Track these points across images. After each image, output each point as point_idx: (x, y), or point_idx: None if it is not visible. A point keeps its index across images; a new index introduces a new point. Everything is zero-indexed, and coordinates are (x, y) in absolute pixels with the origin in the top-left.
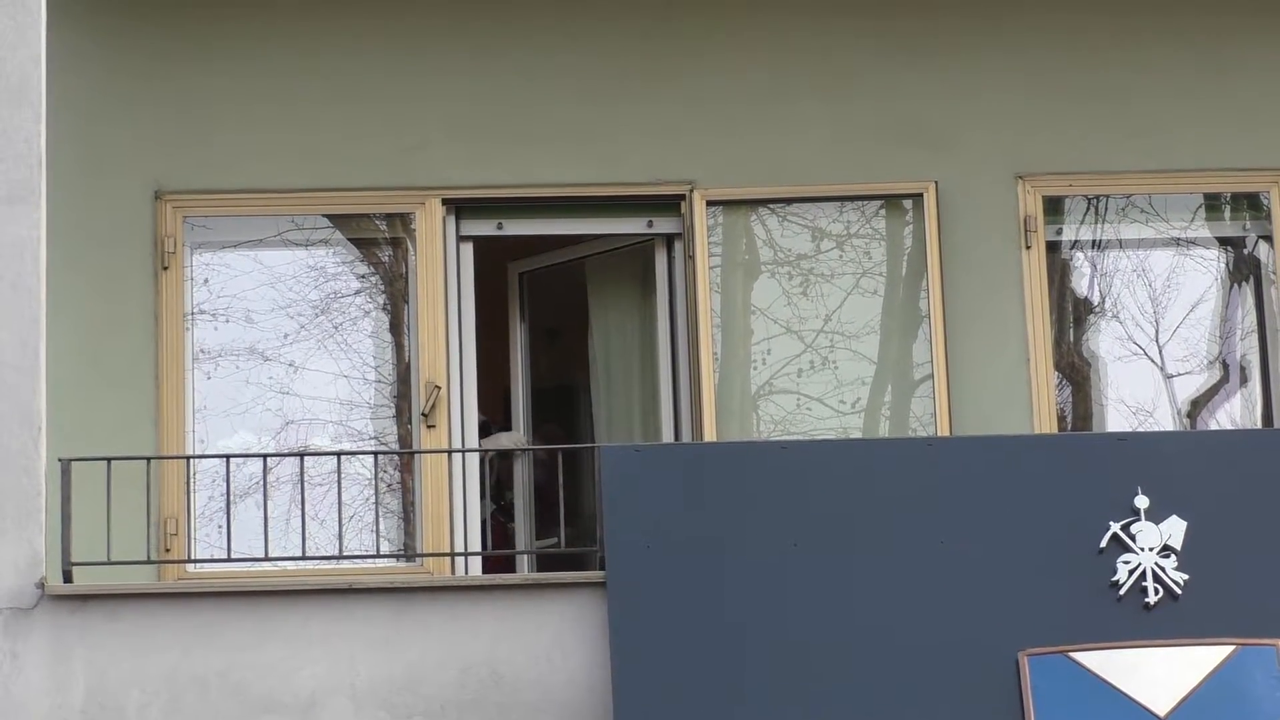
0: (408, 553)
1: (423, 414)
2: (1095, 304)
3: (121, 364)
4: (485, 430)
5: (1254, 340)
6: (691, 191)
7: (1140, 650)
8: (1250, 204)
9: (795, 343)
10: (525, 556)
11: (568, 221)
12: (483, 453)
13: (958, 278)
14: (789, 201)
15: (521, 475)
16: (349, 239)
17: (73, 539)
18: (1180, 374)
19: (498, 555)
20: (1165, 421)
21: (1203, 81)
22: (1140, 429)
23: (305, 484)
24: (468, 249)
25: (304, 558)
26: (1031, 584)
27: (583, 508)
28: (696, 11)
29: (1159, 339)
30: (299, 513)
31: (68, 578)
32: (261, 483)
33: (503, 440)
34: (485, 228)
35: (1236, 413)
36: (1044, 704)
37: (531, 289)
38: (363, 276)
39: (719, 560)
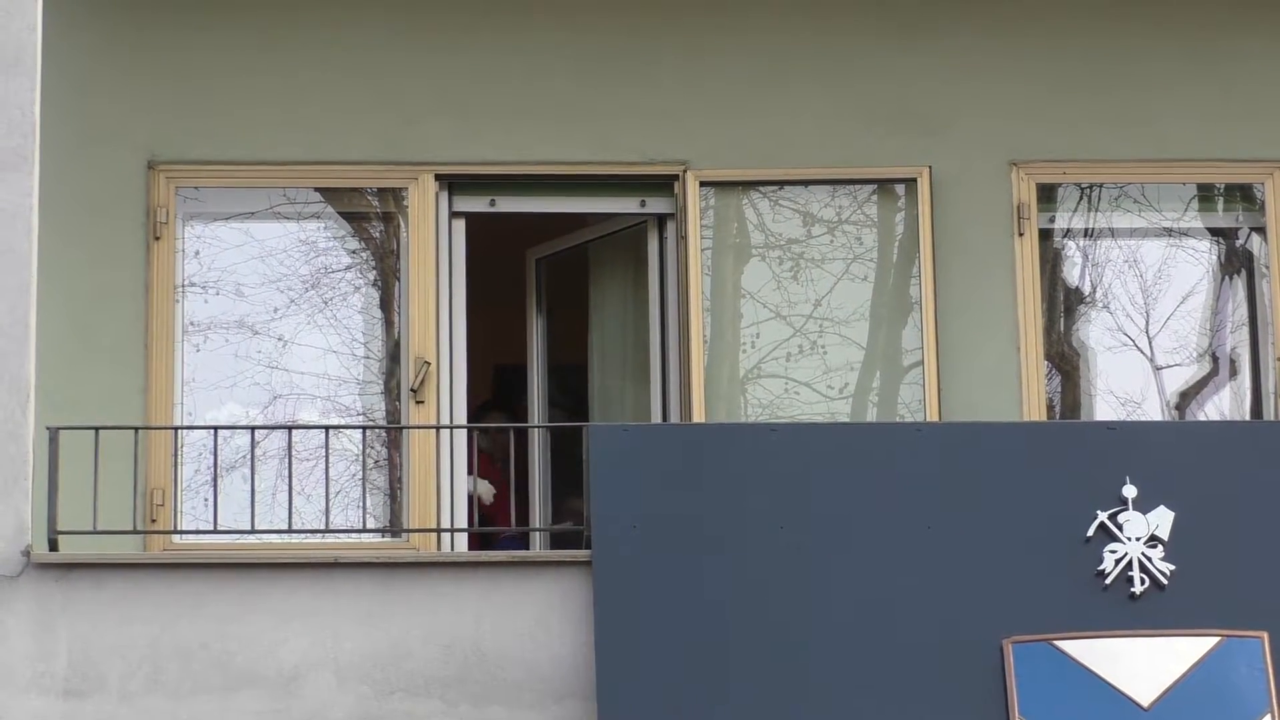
0: (394, 528)
1: (412, 389)
2: (1086, 293)
3: (111, 334)
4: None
5: (1244, 333)
6: (685, 172)
7: (1125, 640)
8: (1243, 195)
9: (784, 327)
10: (539, 535)
11: (560, 200)
12: (472, 429)
13: (949, 264)
14: (783, 184)
15: (538, 455)
16: (340, 213)
17: (59, 508)
18: (1170, 365)
19: (488, 532)
20: (1154, 413)
21: (1198, 72)
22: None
23: (293, 458)
24: (460, 225)
25: (290, 531)
26: (1017, 571)
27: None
28: None
29: (1149, 330)
30: (285, 486)
31: (53, 546)
32: (249, 456)
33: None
34: (478, 204)
35: (1226, 405)
36: (1027, 691)
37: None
38: (354, 251)
39: (705, 541)
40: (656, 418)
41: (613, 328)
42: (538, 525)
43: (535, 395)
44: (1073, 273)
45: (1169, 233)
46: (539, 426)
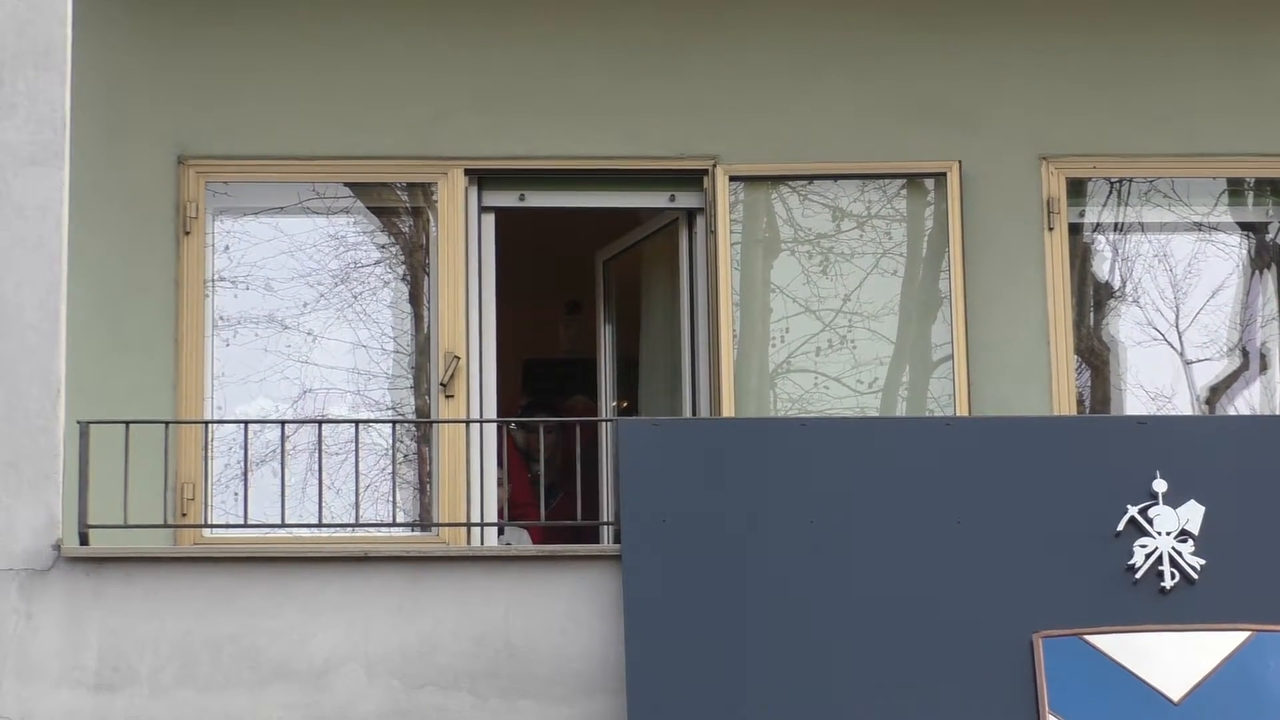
0: (424, 521)
1: (441, 384)
2: (1116, 288)
3: (141, 329)
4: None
5: (1275, 328)
6: (715, 166)
7: (1155, 634)
8: (1274, 189)
9: (813, 322)
10: (608, 529)
11: (590, 195)
12: (508, 423)
13: (979, 258)
14: (813, 178)
15: (605, 449)
16: (370, 208)
17: (90, 502)
18: (1199, 360)
19: (520, 526)
20: (1184, 408)
21: (1228, 66)
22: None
23: (323, 452)
24: (489, 220)
25: (320, 525)
26: (1047, 566)
27: None
28: None
29: (1179, 324)
30: (315, 480)
31: (84, 540)
32: (279, 450)
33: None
34: (507, 199)
35: (1256, 400)
36: (1057, 686)
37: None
38: (383, 246)
39: (734, 536)
40: (686, 412)
41: (659, 324)
42: (606, 519)
43: (605, 391)
44: (1102, 267)
45: (1199, 227)
46: (569, 421)
